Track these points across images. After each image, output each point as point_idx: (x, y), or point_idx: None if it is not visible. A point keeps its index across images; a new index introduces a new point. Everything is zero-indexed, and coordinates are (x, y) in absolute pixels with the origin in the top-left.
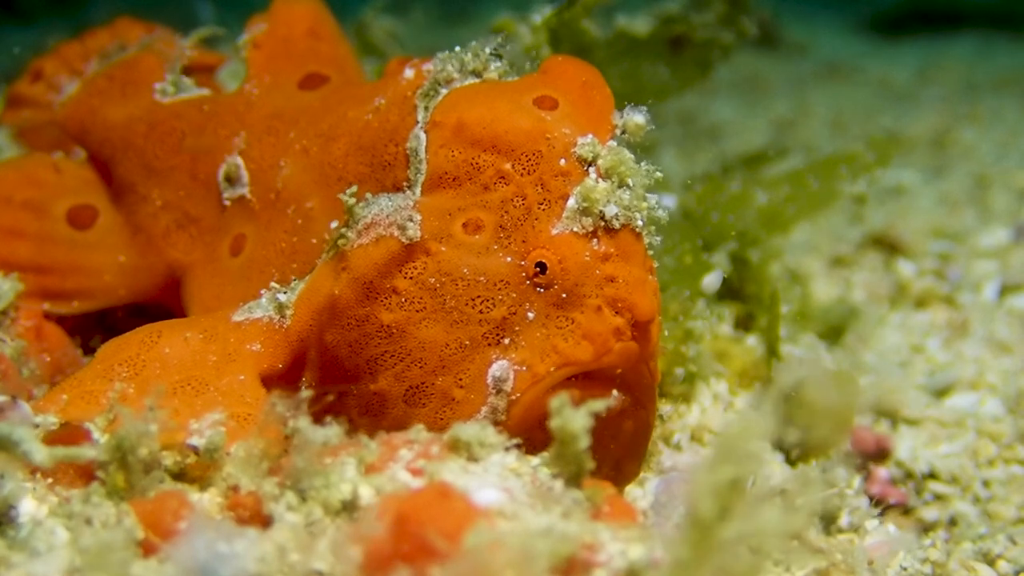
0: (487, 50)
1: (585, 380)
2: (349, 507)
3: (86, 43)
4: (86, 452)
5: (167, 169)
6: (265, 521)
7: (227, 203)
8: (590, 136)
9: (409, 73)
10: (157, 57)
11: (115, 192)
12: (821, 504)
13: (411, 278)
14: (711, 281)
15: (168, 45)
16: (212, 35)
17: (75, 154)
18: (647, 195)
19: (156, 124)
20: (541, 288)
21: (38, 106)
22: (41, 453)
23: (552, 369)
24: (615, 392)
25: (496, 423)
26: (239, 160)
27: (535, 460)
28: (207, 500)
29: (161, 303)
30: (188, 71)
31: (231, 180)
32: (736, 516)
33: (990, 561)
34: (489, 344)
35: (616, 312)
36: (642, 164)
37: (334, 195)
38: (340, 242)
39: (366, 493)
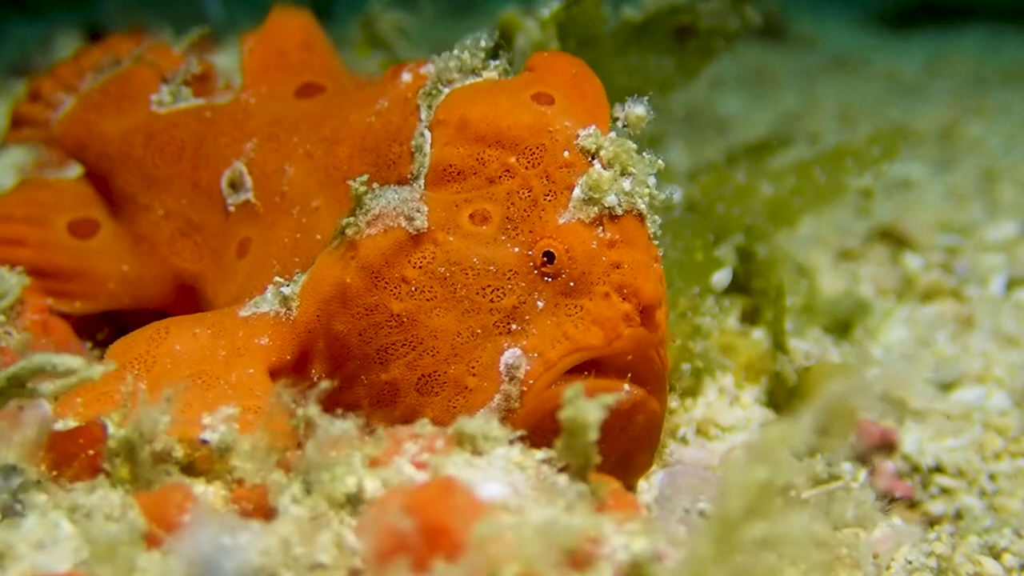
0: (483, 43)
1: (597, 370)
2: (354, 500)
3: (80, 61)
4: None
5: (168, 178)
6: (269, 514)
7: (231, 208)
8: (592, 128)
9: (407, 77)
10: (151, 69)
11: (115, 204)
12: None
13: (420, 267)
14: (720, 278)
15: (161, 55)
16: (203, 36)
17: (69, 169)
18: (648, 181)
19: (154, 135)
20: (549, 277)
21: (37, 125)
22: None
23: (564, 355)
24: (627, 387)
25: (509, 410)
26: (242, 166)
27: (539, 454)
28: (211, 493)
29: (167, 311)
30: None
31: (235, 186)
32: (762, 518)
33: (995, 555)
34: (500, 333)
35: (623, 298)
36: (644, 153)
37: (340, 195)
38: (349, 231)
39: (371, 486)
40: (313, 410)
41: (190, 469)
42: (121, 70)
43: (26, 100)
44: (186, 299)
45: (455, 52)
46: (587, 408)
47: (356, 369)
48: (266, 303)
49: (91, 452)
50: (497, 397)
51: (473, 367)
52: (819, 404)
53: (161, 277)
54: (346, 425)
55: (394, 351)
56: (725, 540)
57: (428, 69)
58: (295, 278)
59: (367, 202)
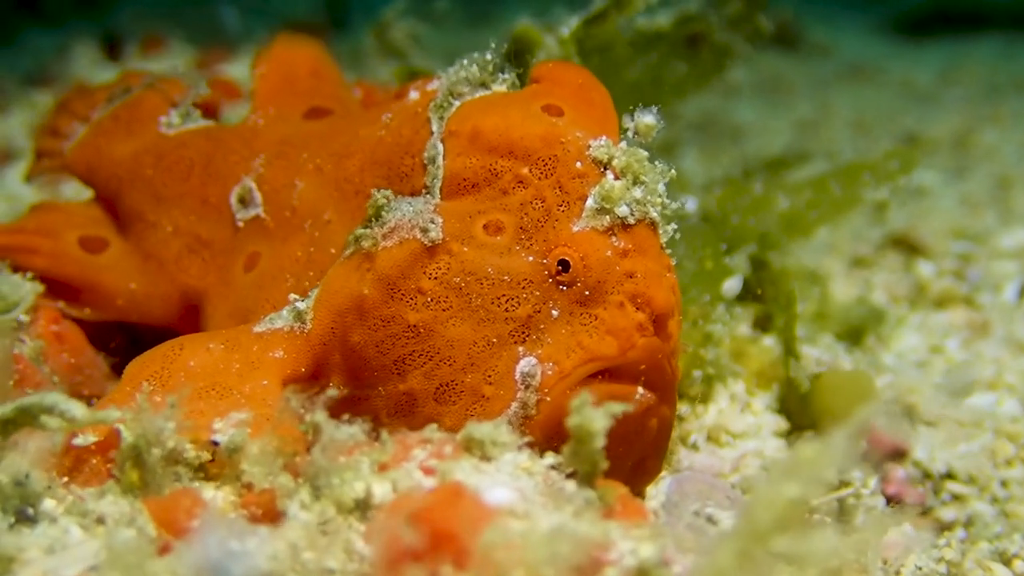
0: (493, 57)
1: (611, 377)
2: (362, 505)
3: (94, 95)
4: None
5: (176, 196)
6: (278, 519)
7: (240, 224)
8: (604, 138)
9: (415, 94)
10: (160, 95)
11: (123, 224)
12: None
13: (435, 278)
14: (731, 286)
15: (172, 86)
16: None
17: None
18: (659, 189)
19: (163, 155)
20: (564, 286)
21: (54, 156)
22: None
23: (578, 364)
24: (640, 390)
25: (527, 418)
26: (251, 182)
27: (548, 459)
28: (220, 498)
29: (174, 329)
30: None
31: (244, 202)
32: (787, 534)
33: (1006, 560)
34: (516, 342)
35: (637, 308)
36: (656, 162)
37: (352, 208)
38: (365, 243)
39: (380, 491)
40: (320, 416)
41: (200, 474)
42: (131, 96)
43: (47, 135)
44: (193, 319)
45: (464, 65)
46: (594, 416)
47: (374, 380)
48: (281, 319)
49: (103, 458)
50: (514, 405)
51: (489, 376)
52: (853, 427)
53: (168, 295)
54: (352, 430)
55: (411, 361)
56: (747, 552)
57: (436, 84)
58: (310, 294)
59: (385, 215)
